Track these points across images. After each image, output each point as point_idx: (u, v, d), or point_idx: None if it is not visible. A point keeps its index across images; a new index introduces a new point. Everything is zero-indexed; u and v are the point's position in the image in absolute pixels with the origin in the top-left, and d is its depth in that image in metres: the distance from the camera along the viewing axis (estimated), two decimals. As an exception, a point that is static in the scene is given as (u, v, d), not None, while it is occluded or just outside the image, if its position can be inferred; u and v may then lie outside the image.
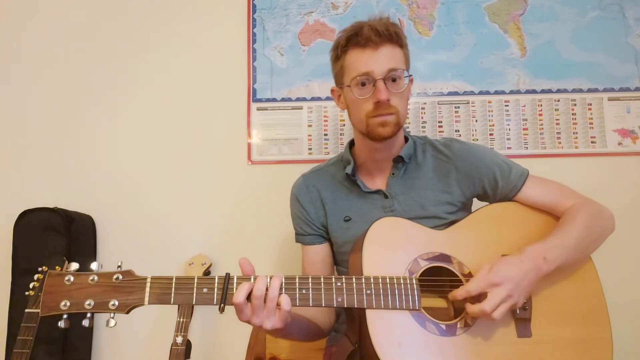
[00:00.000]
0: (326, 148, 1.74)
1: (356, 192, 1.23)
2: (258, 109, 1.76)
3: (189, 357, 1.45)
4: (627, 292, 1.63)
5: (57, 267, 1.41)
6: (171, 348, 1.43)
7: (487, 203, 1.20)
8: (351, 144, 1.30)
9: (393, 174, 1.21)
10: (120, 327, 0.91)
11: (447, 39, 1.76)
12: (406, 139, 1.25)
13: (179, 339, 1.43)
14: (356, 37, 1.12)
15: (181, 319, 1.45)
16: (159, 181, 1.75)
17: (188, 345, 1.45)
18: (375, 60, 1.10)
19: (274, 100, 1.76)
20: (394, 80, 1.11)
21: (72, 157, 1.77)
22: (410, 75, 1.16)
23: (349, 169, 1.22)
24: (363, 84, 1.11)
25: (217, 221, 1.73)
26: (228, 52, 1.79)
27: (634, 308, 1.63)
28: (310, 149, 1.75)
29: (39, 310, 1.35)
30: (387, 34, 1.11)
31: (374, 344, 0.93)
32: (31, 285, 1.39)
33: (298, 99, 1.76)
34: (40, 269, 1.41)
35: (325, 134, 1.74)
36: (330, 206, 1.24)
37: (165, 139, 1.77)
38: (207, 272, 1.61)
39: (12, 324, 1.55)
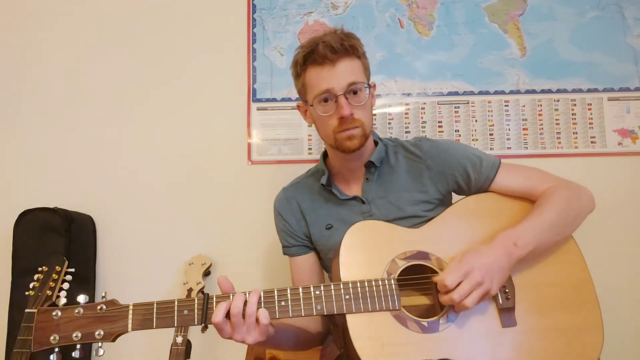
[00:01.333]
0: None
1: (334, 200, 1.25)
2: (258, 109, 1.77)
3: (189, 357, 1.45)
4: (628, 292, 1.63)
5: (57, 267, 1.41)
6: (171, 348, 1.43)
7: (464, 197, 1.20)
8: (325, 154, 1.31)
9: (367, 179, 1.23)
10: (120, 327, 0.92)
11: (446, 39, 1.76)
12: (376, 143, 1.27)
13: (179, 339, 1.44)
14: (313, 55, 1.13)
15: (181, 319, 1.45)
16: (159, 181, 1.75)
17: (188, 345, 1.45)
18: (334, 77, 1.11)
19: (274, 100, 1.77)
20: (355, 93, 1.12)
21: (72, 157, 1.77)
22: (372, 84, 1.18)
23: (323, 180, 1.24)
24: (326, 100, 1.13)
25: (217, 221, 1.73)
26: (228, 53, 1.79)
27: (634, 306, 1.63)
28: (310, 149, 1.75)
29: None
30: (342, 48, 1.11)
31: (356, 348, 0.94)
32: (31, 285, 1.39)
33: (298, 99, 1.75)
34: (40, 269, 1.41)
35: (325, 134, 1.74)
36: (311, 216, 1.26)
37: (165, 138, 1.77)
38: (207, 272, 1.61)
39: (12, 324, 1.55)
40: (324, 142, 1.25)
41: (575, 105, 1.73)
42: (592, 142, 1.71)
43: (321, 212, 1.26)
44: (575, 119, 1.72)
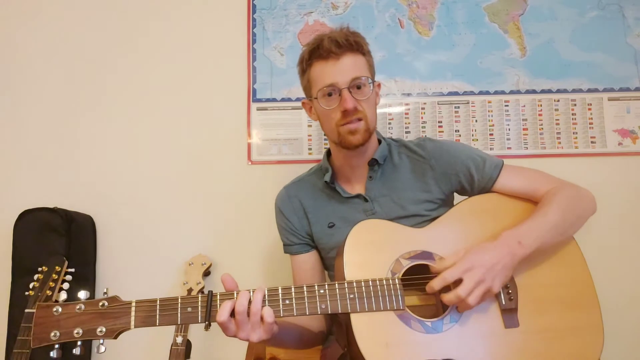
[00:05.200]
0: (326, 148, 1.74)
1: (337, 198, 1.25)
2: (258, 109, 1.77)
3: (189, 357, 1.45)
4: (627, 292, 1.63)
5: (57, 267, 1.41)
6: (171, 348, 1.43)
7: (467, 197, 1.20)
8: (329, 152, 1.32)
9: (370, 177, 1.23)
10: (120, 327, 0.92)
11: (446, 39, 1.76)
12: (379, 142, 1.27)
13: (179, 339, 1.44)
14: (318, 50, 1.14)
15: (181, 319, 1.45)
16: (159, 181, 1.75)
17: (188, 345, 1.45)
18: (338, 71, 1.12)
19: (274, 100, 1.77)
20: (358, 87, 1.14)
21: (72, 157, 1.77)
22: (376, 83, 1.19)
23: (327, 177, 1.24)
24: (330, 95, 1.14)
25: (217, 221, 1.73)
26: (228, 52, 1.79)
27: (634, 307, 1.63)
28: (310, 149, 1.75)
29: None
30: (347, 43, 1.13)
31: (360, 348, 0.94)
32: (31, 285, 1.39)
33: (298, 99, 1.75)
34: (40, 269, 1.41)
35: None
36: (313, 214, 1.27)
37: (165, 139, 1.77)
38: (207, 272, 1.62)
39: (12, 324, 1.55)
40: (327, 139, 1.26)
41: (575, 105, 1.72)
42: (592, 142, 1.71)
43: (324, 210, 1.26)
44: (575, 119, 1.72)
